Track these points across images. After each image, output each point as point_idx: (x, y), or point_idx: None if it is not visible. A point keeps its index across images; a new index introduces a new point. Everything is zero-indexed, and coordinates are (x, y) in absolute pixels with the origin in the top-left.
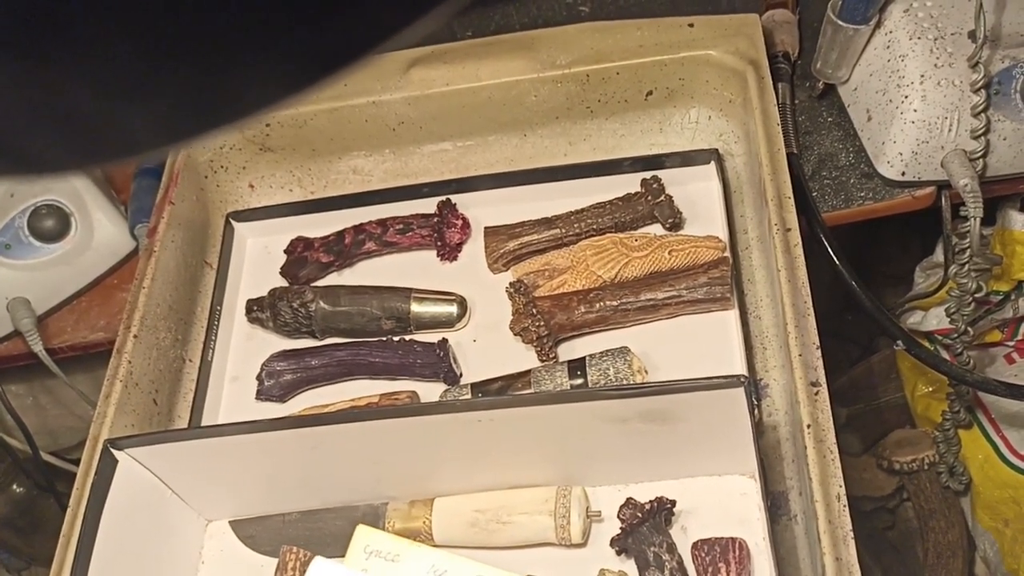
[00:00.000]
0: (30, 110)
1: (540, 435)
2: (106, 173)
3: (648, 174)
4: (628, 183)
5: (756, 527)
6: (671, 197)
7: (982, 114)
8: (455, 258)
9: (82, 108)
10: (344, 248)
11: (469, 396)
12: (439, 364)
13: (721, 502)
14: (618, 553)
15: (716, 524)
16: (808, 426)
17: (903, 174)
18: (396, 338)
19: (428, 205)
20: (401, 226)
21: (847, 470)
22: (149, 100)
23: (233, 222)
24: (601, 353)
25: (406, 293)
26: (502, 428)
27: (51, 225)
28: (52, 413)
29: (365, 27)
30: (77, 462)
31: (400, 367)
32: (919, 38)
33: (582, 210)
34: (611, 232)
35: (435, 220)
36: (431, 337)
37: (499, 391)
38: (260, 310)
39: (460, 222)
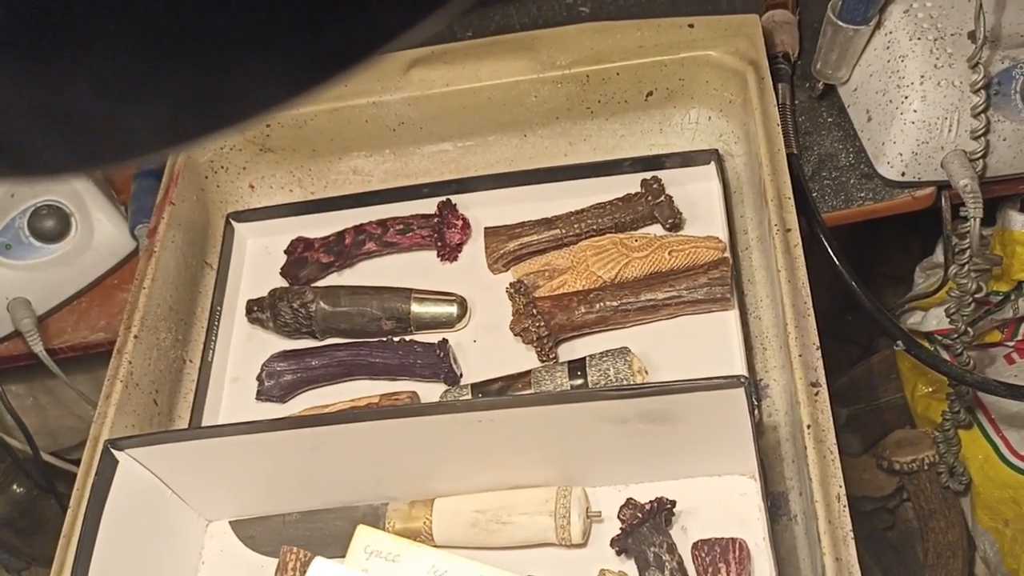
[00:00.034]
0: (30, 111)
1: (540, 435)
2: (106, 174)
3: (648, 174)
4: (628, 183)
5: (756, 527)
6: (671, 197)
7: (982, 115)
8: (455, 258)
9: (82, 109)
10: (344, 248)
11: (469, 396)
12: (439, 364)
13: (721, 502)
14: (618, 553)
15: (716, 524)
16: (808, 426)
17: (903, 174)
18: (396, 338)
19: (428, 205)
20: (401, 226)
21: (847, 470)
22: (150, 101)
23: (233, 222)
24: (601, 353)
25: (406, 293)
26: (502, 428)
27: (51, 225)
28: (52, 413)
29: (367, 29)
30: (77, 462)
31: (400, 367)
32: (919, 39)
33: (582, 210)
34: (611, 232)
35: (435, 220)
36: (431, 337)
37: (499, 391)
38: (260, 310)
39: (460, 222)
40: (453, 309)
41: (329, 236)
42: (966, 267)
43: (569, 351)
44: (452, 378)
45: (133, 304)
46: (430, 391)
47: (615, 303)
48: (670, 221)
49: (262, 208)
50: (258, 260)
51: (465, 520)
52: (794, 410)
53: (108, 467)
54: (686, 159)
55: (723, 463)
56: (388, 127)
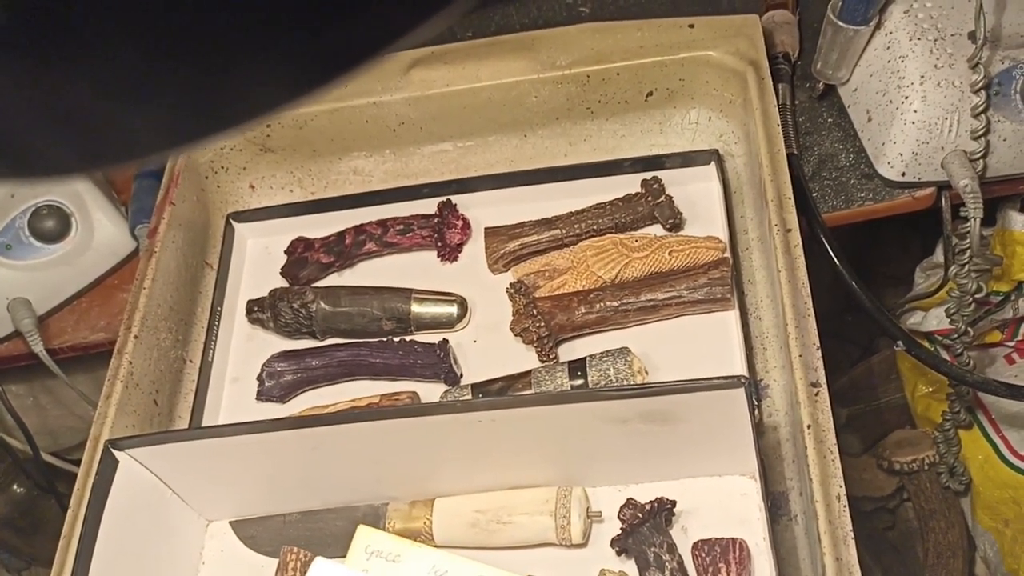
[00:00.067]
0: (31, 111)
1: (540, 436)
2: (107, 174)
3: (648, 175)
4: (628, 184)
5: (756, 527)
6: (671, 198)
7: (982, 115)
8: (455, 259)
9: (83, 109)
10: (344, 249)
11: (469, 397)
12: (439, 365)
13: (721, 502)
14: (618, 553)
15: (716, 524)
16: (808, 426)
17: (903, 175)
18: (396, 339)
19: (428, 206)
20: (401, 227)
21: (847, 470)
22: (150, 101)
23: (233, 223)
24: (601, 354)
25: (406, 294)
26: (502, 429)
27: (52, 225)
28: (53, 413)
29: (368, 31)
30: (78, 462)
31: (400, 368)
32: (919, 39)
33: (582, 211)
34: (611, 233)
35: (435, 221)
36: (431, 338)
37: (499, 392)
38: (261, 311)
39: (460, 223)
40: (453, 309)
41: (329, 236)
42: (966, 267)
43: (569, 351)
44: (452, 378)
45: (133, 304)
46: (430, 391)
47: (615, 303)
48: (670, 221)
49: (262, 208)
50: (258, 260)
51: (465, 520)
52: (794, 410)
53: (108, 467)
54: (686, 159)
55: (723, 463)
56: (388, 127)
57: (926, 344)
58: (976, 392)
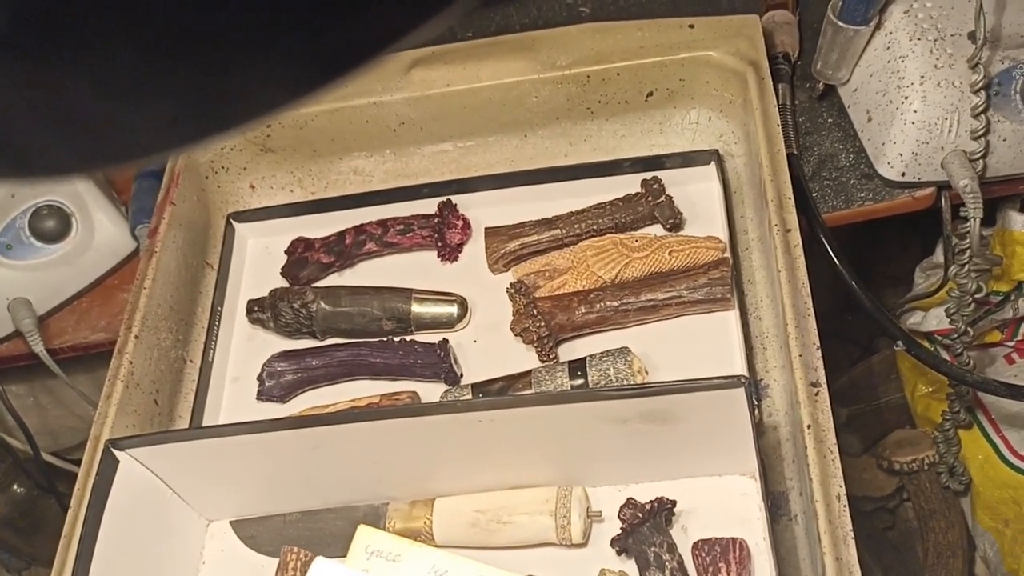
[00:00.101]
0: (31, 111)
1: (541, 435)
2: (107, 174)
3: (648, 175)
4: (628, 184)
5: (756, 527)
6: (671, 198)
7: (982, 115)
8: (456, 259)
9: (83, 109)
10: (345, 249)
11: (470, 396)
12: (440, 364)
13: (721, 502)
14: (619, 553)
15: (716, 524)
16: (808, 426)
17: (903, 175)
18: (397, 338)
19: (429, 206)
20: (402, 227)
21: (847, 470)
22: (150, 101)
23: (234, 223)
24: (602, 353)
25: (407, 294)
26: (503, 428)
27: (52, 226)
28: (53, 413)
29: (369, 31)
30: (78, 462)
31: (401, 367)
32: (919, 39)
33: (582, 211)
34: (611, 233)
35: (436, 221)
36: (432, 337)
37: (500, 391)
38: (261, 310)
39: (461, 223)
40: (453, 309)
41: (330, 236)
42: (966, 267)
43: (569, 351)
44: (452, 378)
45: (134, 304)
46: (430, 391)
47: (615, 303)
48: (670, 221)
49: (263, 208)
50: (259, 260)
51: (466, 520)
52: (794, 410)
53: (109, 467)
54: (686, 159)
55: (723, 463)
56: (389, 127)
57: (926, 344)
58: (976, 392)
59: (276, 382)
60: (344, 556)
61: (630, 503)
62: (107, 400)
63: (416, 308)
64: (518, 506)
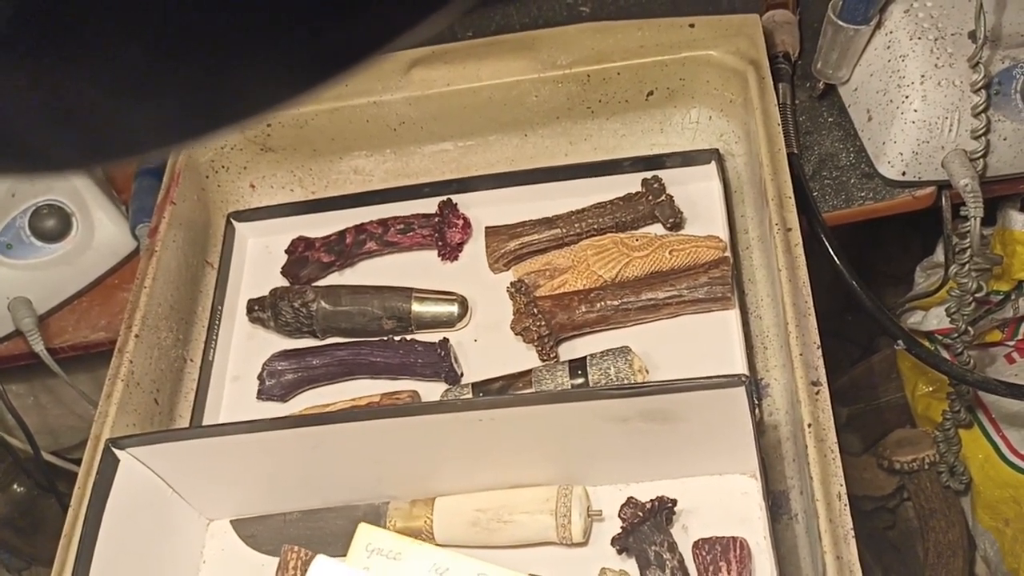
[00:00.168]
0: (34, 108)
1: (541, 434)
2: (107, 173)
3: (649, 174)
4: (629, 183)
5: (757, 526)
6: (672, 197)
7: (982, 114)
8: (456, 258)
9: (86, 106)
10: (345, 248)
11: (470, 396)
12: (440, 364)
13: (722, 501)
14: (619, 552)
15: (717, 523)
16: (809, 425)
17: (903, 174)
18: (397, 338)
19: (429, 205)
20: (402, 226)
21: (848, 470)
22: (152, 99)
23: (234, 222)
24: (602, 353)
25: (407, 293)
26: (503, 427)
27: (52, 225)
28: (53, 413)
29: (368, 29)
30: (78, 462)
31: (401, 367)
32: (919, 38)
33: (583, 210)
34: (612, 232)
35: (436, 220)
36: (432, 337)
37: (500, 391)
38: (261, 310)
39: (461, 222)
40: (454, 308)
41: (330, 235)
42: (966, 266)
43: (570, 350)
44: (453, 377)
45: (134, 303)
46: (431, 390)
47: (616, 302)
48: (671, 220)
49: (263, 208)
50: (259, 259)
51: (466, 519)
52: (795, 409)
53: (109, 466)
54: (687, 159)
55: (724, 462)
56: (389, 127)
57: (926, 343)
58: (976, 391)
59: (276, 381)
60: (345, 555)
61: (631, 502)
62: (107, 399)
63: (416, 307)
64: (519, 505)
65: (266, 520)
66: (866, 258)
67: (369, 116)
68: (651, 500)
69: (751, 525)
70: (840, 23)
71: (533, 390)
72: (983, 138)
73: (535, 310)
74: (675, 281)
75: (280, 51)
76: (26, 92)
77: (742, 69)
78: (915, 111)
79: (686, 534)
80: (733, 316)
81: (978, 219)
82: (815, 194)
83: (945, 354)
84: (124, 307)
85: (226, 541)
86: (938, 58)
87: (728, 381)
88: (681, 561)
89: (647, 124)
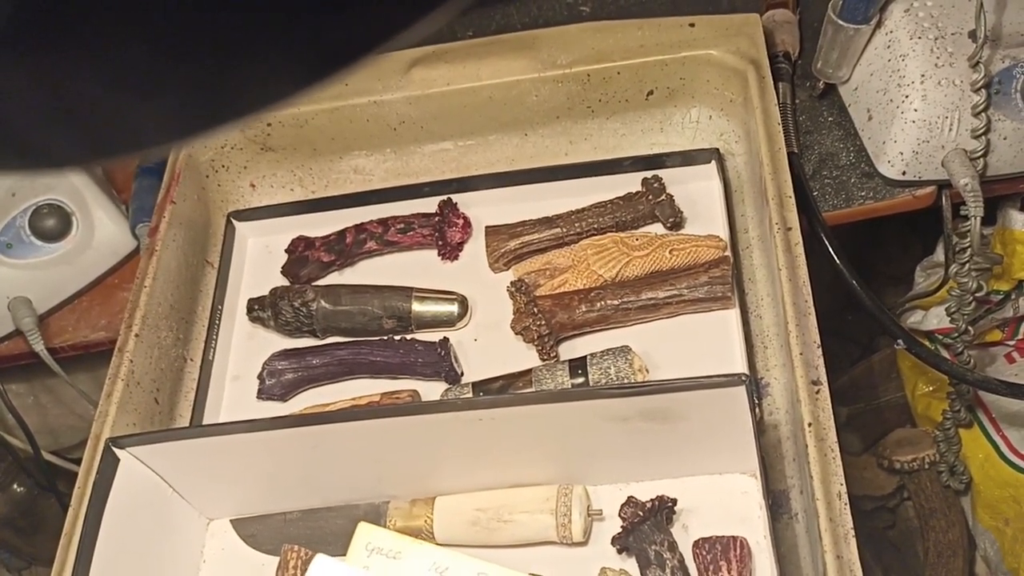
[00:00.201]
0: (35, 106)
1: (541, 434)
2: (107, 172)
3: (649, 173)
4: (629, 182)
5: (757, 525)
6: (672, 196)
7: (982, 113)
8: (456, 257)
9: (87, 104)
10: (345, 247)
11: (470, 395)
12: (440, 363)
13: (722, 500)
14: (619, 551)
15: (717, 522)
16: (809, 424)
17: (904, 173)
18: (397, 337)
19: (429, 204)
20: (402, 225)
21: (848, 469)
22: (154, 96)
23: (234, 221)
24: (602, 352)
25: (407, 292)
26: (503, 427)
27: (52, 224)
28: (53, 412)
29: (368, 26)
30: (78, 461)
31: (401, 366)
32: (920, 38)
33: (583, 209)
34: (612, 231)
35: (436, 219)
36: (432, 336)
37: (500, 390)
38: (261, 309)
39: (461, 221)
40: (454, 308)
41: (330, 235)
42: (967, 266)
43: (570, 350)
44: (453, 377)
45: (134, 303)
46: (431, 390)
47: (616, 302)
48: (671, 220)
49: (263, 207)
50: (259, 259)
51: (466, 518)
52: (795, 408)
53: (109, 466)
54: (687, 158)
55: (724, 461)
56: (389, 126)
57: (926, 343)
58: (976, 391)
59: (276, 381)
60: (344, 555)
61: (631, 501)
62: (107, 399)
63: (417, 307)
64: (519, 504)
65: (266, 519)
66: (866, 258)
67: (369, 115)
68: (651, 499)
69: (751, 524)
70: (840, 22)
71: (533, 389)
72: (983, 137)
73: (535, 309)
74: (675, 280)
75: (280, 48)
76: (27, 90)
77: (742, 68)
78: (915, 110)
79: (686, 533)
80: (733, 315)
81: (978, 218)
82: (815, 193)
83: (945, 354)
84: (124, 307)
85: (226, 540)
86: (938, 57)
87: (728, 380)
88: (681, 560)
89: (647, 123)
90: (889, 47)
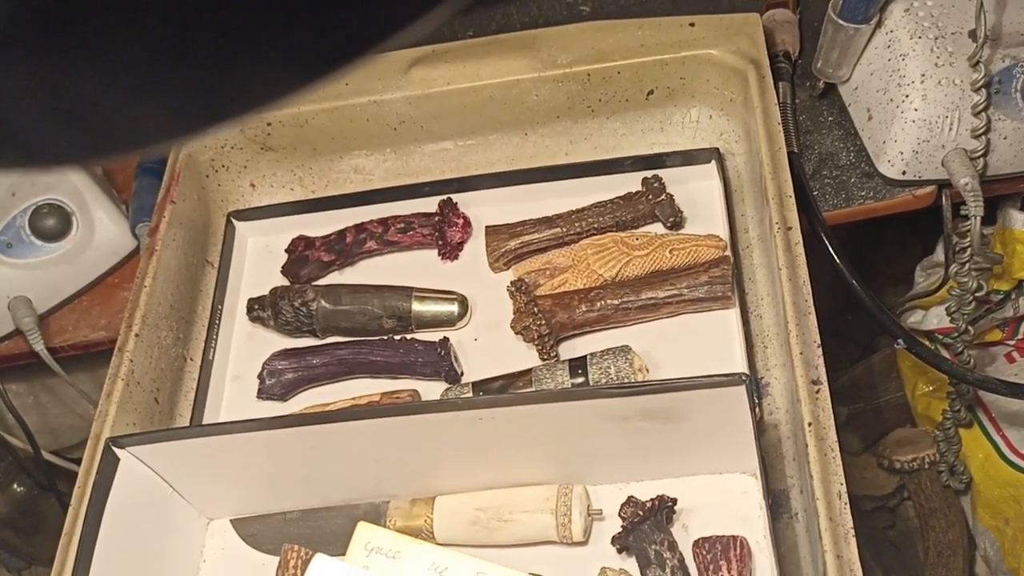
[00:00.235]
0: (37, 104)
1: (541, 433)
2: (107, 172)
3: (649, 173)
4: (629, 182)
5: (757, 525)
6: (672, 196)
7: (982, 113)
8: (456, 257)
9: (87, 103)
10: (345, 247)
11: (470, 395)
12: (440, 363)
13: (722, 500)
14: (619, 551)
15: (717, 522)
16: (809, 424)
17: (904, 173)
18: (397, 337)
19: (429, 204)
20: (402, 225)
21: (848, 469)
22: (155, 95)
23: (234, 221)
24: (602, 352)
25: (407, 292)
26: (503, 426)
27: (52, 224)
28: (53, 412)
29: (366, 25)
30: (78, 461)
31: (401, 366)
32: (920, 37)
33: (583, 209)
34: (612, 231)
35: (436, 219)
36: (432, 336)
37: (500, 390)
38: (261, 309)
39: (461, 221)
40: (454, 307)
41: (330, 235)
42: (967, 266)
43: (570, 349)
44: (453, 376)
45: (134, 302)
46: (431, 389)
47: (616, 301)
48: (671, 220)
49: (263, 207)
50: (259, 259)
51: (466, 518)
52: (795, 408)
53: (109, 465)
54: (687, 157)
55: (724, 461)
56: (389, 126)
57: (926, 342)
58: (976, 390)
59: (276, 380)
60: (344, 554)
61: (631, 501)
62: (107, 398)
63: (417, 306)
64: (519, 504)
65: (266, 519)
66: (866, 257)
67: (369, 115)
68: (651, 499)
69: (751, 524)
70: (840, 22)
71: (533, 389)
72: (983, 137)
73: (535, 309)
74: (675, 280)
75: (280, 47)
76: (27, 90)
77: (742, 68)
78: (915, 110)
79: (686, 533)
80: (733, 315)
81: (978, 218)
82: (815, 193)
83: (945, 353)
84: (124, 306)
85: (226, 540)
86: (938, 57)
87: (728, 380)
88: (681, 560)
89: (647, 123)
90: (889, 47)
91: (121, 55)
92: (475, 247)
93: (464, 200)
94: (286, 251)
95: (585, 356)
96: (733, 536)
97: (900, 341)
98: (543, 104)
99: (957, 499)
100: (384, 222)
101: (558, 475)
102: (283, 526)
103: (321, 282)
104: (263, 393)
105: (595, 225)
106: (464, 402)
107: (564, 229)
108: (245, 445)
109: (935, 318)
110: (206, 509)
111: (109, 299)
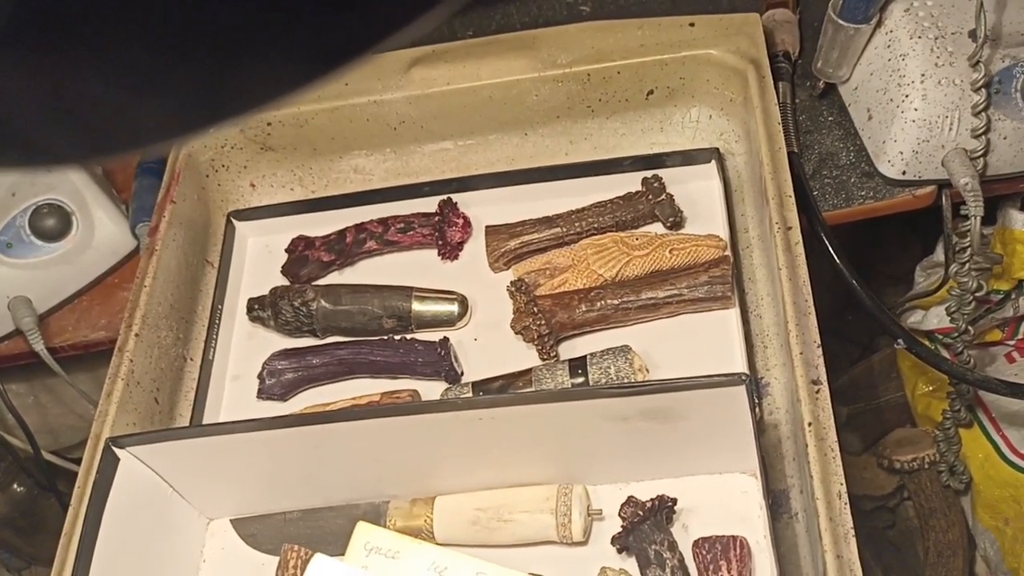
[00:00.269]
0: (38, 104)
1: (541, 433)
2: (107, 172)
3: (649, 173)
4: (629, 182)
5: (757, 525)
6: (672, 196)
7: (982, 113)
8: (456, 257)
9: (87, 103)
10: (345, 247)
11: (470, 395)
12: (440, 363)
13: (722, 500)
14: (619, 551)
15: (717, 522)
16: (809, 424)
17: (904, 173)
18: (397, 337)
19: (429, 204)
20: (402, 225)
21: (848, 469)
22: (156, 94)
23: (234, 221)
24: (602, 352)
25: (407, 292)
26: (503, 426)
27: (52, 224)
28: (53, 412)
29: (366, 24)
30: (78, 461)
31: (401, 366)
32: (920, 37)
33: (583, 209)
34: (612, 231)
35: (436, 219)
36: (432, 336)
37: (500, 390)
38: (261, 309)
39: (461, 221)
40: (454, 307)
41: (330, 234)
42: (967, 266)
43: (570, 349)
44: (453, 376)
45: (134, 302)
46: (431, 389)
47: (616, 301)
48: (671, 219)
49: (263, 207)
50: (259, 258)
51: (466, 518)
52: (795, 408)
53: (109, 465)
54: (687, 157)
55: (724, 461)
56: (389, 126)
57: (926, 342)
58: (976, 390)
59: (276, 380)
60: (344, 554)
61: (631, 501)
62: (107, 398)
63: (417, 306)
64: (519, 504)
65: (266, 519)
66: (866, 257)
67: (369, 115)
68: (651, 499)
69: (751, 524)
70: (840, 22)
71: (533, 389)
72: (983, 137)
73: (535, 309)
74: (675, 280)
75: (280, 46)
76: (28, 89)
77: (742, 68)
78: (915, 110)
79: (686, 533)
80: (733, 315)
81: (978, 218)
82: (815, 193)
83: (945, 353)
84: (124, 306)
85: (226, 540)
86: (938, 57)
87: (728, 380)
88: (681, 560)
89: (647, 123)
90: (889, 46)
91: (121, 55)
92: (475, 247)
93: (464, 200)
94: (286, 251)
95: (585, 356)
96: (733, 536)
97: (900, 341)
98: (543, 104)
99: (957, 499)
100: (384, 222)
101: (558, 475)
102: (283, 526)
103: (321, 282)
104: (263, 393)
105: (595, 225)
106: (464, 402)
107: (564, 229)
108: (245, 445)
109: (935, 318)
110: (206, 509)
111: (109, 299)
